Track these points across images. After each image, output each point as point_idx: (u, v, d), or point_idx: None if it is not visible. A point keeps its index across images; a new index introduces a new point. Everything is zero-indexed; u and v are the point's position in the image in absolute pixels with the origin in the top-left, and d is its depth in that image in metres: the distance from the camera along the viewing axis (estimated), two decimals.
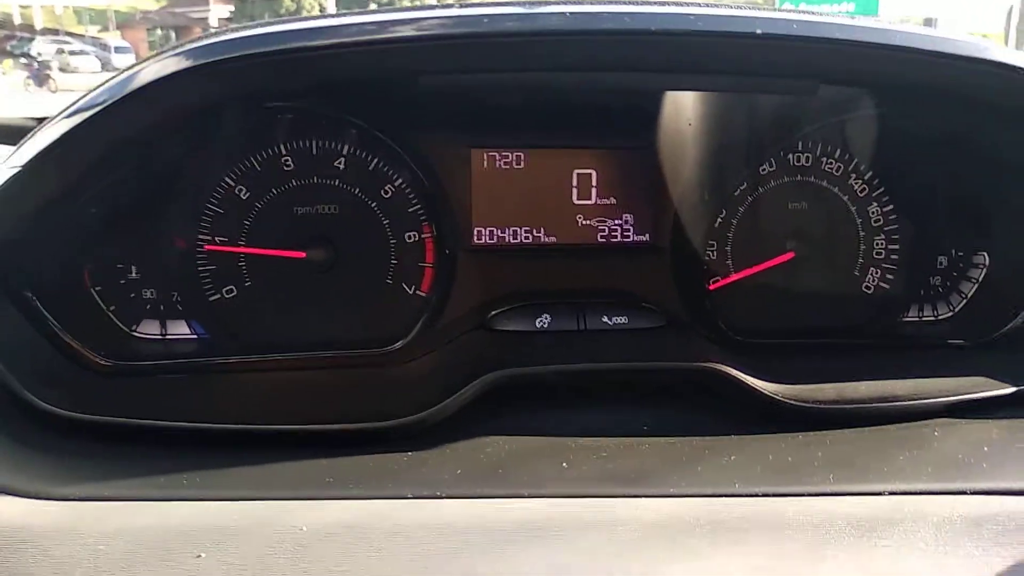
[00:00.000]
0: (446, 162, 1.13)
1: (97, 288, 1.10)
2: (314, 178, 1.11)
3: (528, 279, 1.16)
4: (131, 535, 0.75)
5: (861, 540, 0.76)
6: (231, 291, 1.13)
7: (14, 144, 1.32)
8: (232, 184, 1.09)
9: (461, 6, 0.88)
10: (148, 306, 1.12)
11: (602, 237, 1.17)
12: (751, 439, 0.95)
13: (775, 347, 1.17)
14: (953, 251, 1.24)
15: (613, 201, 1.16)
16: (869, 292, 1.23)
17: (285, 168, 1.10)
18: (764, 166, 1.18)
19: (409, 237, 1.15)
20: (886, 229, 1.21)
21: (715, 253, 1.20)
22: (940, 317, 1.26)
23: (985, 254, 1.22)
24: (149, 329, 1.13)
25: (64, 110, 0.89)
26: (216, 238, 1.11)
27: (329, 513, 0.79)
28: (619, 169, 1.15)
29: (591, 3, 0.88)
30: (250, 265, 1.12)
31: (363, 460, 0.90)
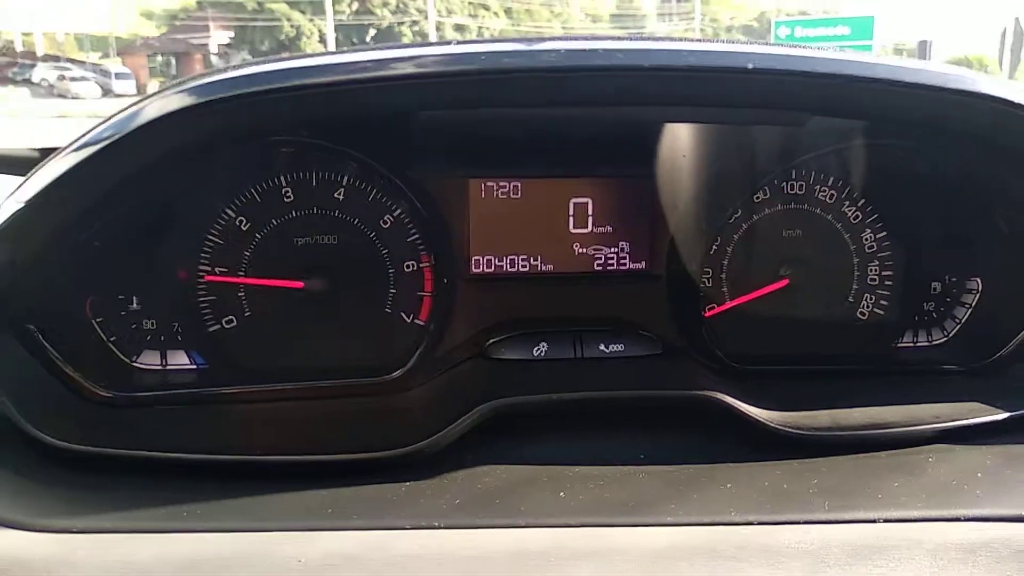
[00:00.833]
0: (444, 192, 1.14)
1: (98, 319, 1.11)
2: (314, 209, 1.13)
3: (526, 307, 1.17)
4: (131, 568, 0.76)
5: (856, 568, 0.76)
6: (231, 321, 1.14)
7: (17, 173, 1.34)
8: (232, 215, 1.11)
9: (459, 43, 0.90)
10: (148, 337, 1.13)
11: (598, 265, 1.18)
12: (747, 466, 0.96)
13: (770, 373, 1.18)
14: (946, 277, 1.25)
15: (609, 229, 1.17)
16: (863, 318, 1.24)
17: (285, 199, 1.12)
18: (758, 194, 1.19)
19: (408, 266, 1.16)
20: (879, 255, 1.23)
21: (710, 280, 1.21)
22: (934, 342, 1.27)
23: (978, 280, 1.24)
24: (149, 360, 1.14)
25: (68, 146, 0.90)
26: (216, 269, 1.12)
27: (327, 544, 0.79)
28: (615, 198, 1.17)
29: (586, 40, 0.90)
30: (250, 295, 1.13)
31: (361, 490, 0.90)
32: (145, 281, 1.12)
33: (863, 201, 1.21)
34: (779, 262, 1.21)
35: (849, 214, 1.21)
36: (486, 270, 1.17)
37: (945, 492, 0.89)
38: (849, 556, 0.77)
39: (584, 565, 0.77)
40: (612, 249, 1.18)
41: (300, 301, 1.14)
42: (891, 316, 1.24)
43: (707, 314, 1.21)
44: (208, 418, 1.07)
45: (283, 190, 1.12)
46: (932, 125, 1.00)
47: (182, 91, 0.88)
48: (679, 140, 1.15)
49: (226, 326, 1.13)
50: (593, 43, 0.89)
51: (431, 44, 0.98)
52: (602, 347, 1.14)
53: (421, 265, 1.17)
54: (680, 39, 0.94)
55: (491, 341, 1.15)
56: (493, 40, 0.96)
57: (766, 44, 0.96)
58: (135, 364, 1.13)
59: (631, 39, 0.94)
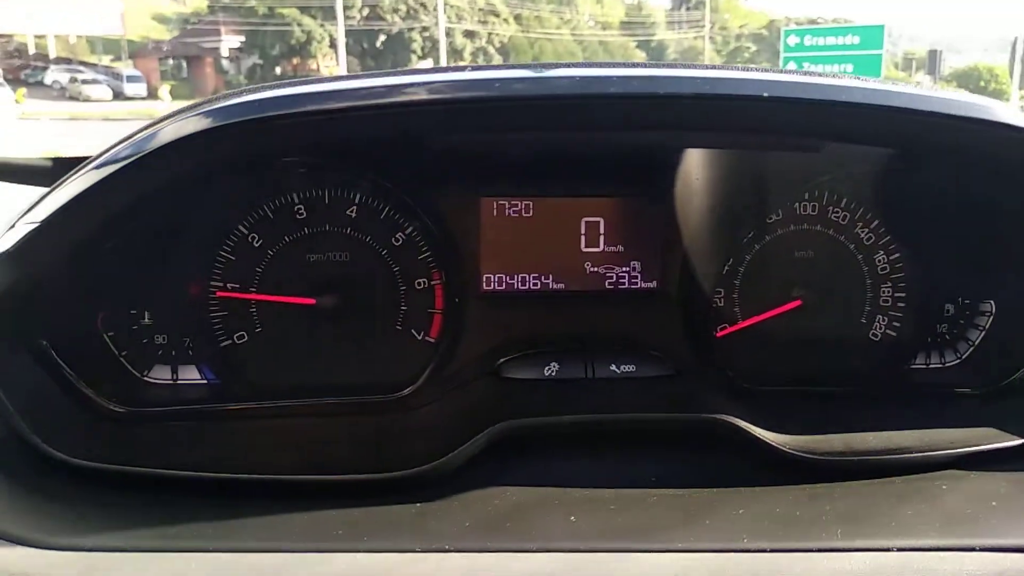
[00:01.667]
0: (456, 210, 1.14)
1: (110, 334, 1.11)
2: (326, 226, 1.13)
3: (537, 326, 1.17)
4: None
5: None
6: (242, 337, 1.14)
7: (31, 183, 1.35)
8: (245, 232, 1.11)
9: (472, 69, 0.90)
10: (160, 352, 1.14)
11: (610, 284, 1.18)
12: (759, 491, 0.95)
13: (782, 394, 1.18)
14: (960, 299, 1.24)
15: (621, 248, 1.17)
16: (876, 339, 1.23)
17: (298, 216, 1.12)
18: (771, 215, 1.19)
19: (419, 284, 1.16)
20: (893, 277, 1.22)
21: (723, 300, 1.21)
22: (947, 364, 1.26)
23: (992, 302, 1.23)
24: (160, 375, 1.14)
25: (82, 166, 0.91)
26: (228, 284, 1.12)
27: (337, 567, 0.79)
28: (627, 217, 1.17)
29: (599, 67, 0.90)
30: (261, 311, 1.13)
31: (371, 511, 0.90)
32: (157, 296, 1.12)
33: (876, 223, 1.20)
34: (792, 283, 1.20)
35: (862, 235, 1.21)
36: (497, 288, 1.17)
37: (960, 520, 0.88)
38: None
39: None
40: (624, 268, 1.18)
41: (311, 318, 1.14)
42: (904, 337, 1.23)
43: (719, 334, 1.21)
44: (219, 435, 1.07)
45: (295, 207, 1.12)
46: (948, 152, 0.99)
47: (198, 114, 0.89)
48: (692, 162, 1.15)
49: (237, 342, 1.14)
50: (607, 70, 0.89)
51: (444, 70, 0.98)
52: (613, 367, 1.13)
53: (432, 283, 1.16)
54: (692, 65, 0.93)
55: (502, 360, 1.14)
56: (506, 66, 0.96)
57: (780, 71, 0.96)
58: (146, 379, 1.13)
59: (644, 65, 0.94)
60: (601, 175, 1.15)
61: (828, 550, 0.82)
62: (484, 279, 1.16)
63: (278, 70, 40.27)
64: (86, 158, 0.93)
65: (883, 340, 1.23)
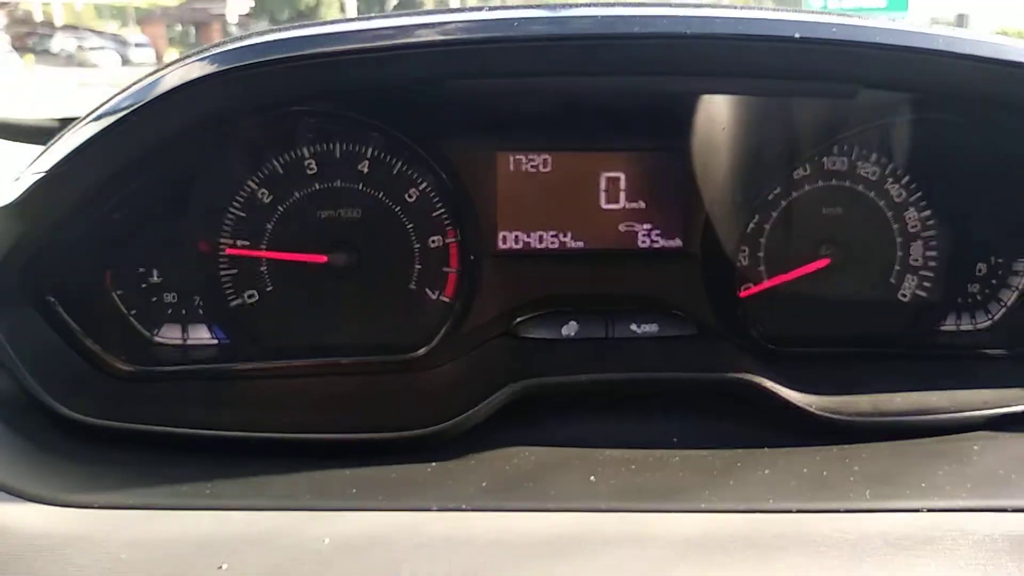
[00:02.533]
0: (471, 165, 1.11)
1: (119, 292, 1.09)
2: (337, 182, 1.10)
3: (554, 285, 1.14)
4: (153, 544, 0.75)
5: (898, 559, 0.74)
6: (252, 296, 1.12)
7: (36, 143, 1.33)
8: (255, 187, 1.08)
9: (489, 9, 0.86)
10: (169, 311, 1.12)
11: (630, 242, 1.15)
12: (785, 452, 0.93)
13: (808, 356, 1.15)
14: (992, 258, 1.20)
15: (642, 205, 1.14)
16: (905, 300, 1.20)
17: (308, 172, 1.09)
18: (798, 170, 1.15)
19: (433, 242, 1.13)
20: (923, 235, 1.18)
21: (747, 259, 1.17)
22: (979, 326, 1.22)
23: None
24: (170, 334, 1.12)
25: (86, 116, 0.88)
26: (238, 242, 1.10)
27: (352, 525, 0.78)
28: (649, 172, 1.13)
29: (621, 6, 0.86)
30: (272, 270, 1.11)
31: (386, 471, 0.88)
32: (166, 254, 1.10)
33: (907, 178, 1.16)
34: (819, 241, 1.17)
35: (892, 192, 1.17)
36: (513, 246, 1.14)
37: (992, 481, 0.86)
38: (891, 547, 0.75)
39: (616, 551, 0.75)
40: (645, 226, 1.14)
41: (323, 276, 1.11)
42: (934, 298, 1.20)
43: (743, 294, 1.17)
44: (230, 394, 1.06)
45: (306, 162, 1.09)
46: (988, 99, 0.95)
47: (203, 59, 0.86)
48: (717, 112, 1.11)
49: (248, 301, 1.11)
50: (630, 9, 0.85)
51: (460, 10, 0.94)
52: (634, 327, 1.10)
53: (447, 240, 1.14)
54: (719, 6, 0.89)
55: (519, 320, 1.12)
56: (524, 6, 0.92)
57: (814, 12, 0.92)
58: (156, 338, 1.12)
59: (667, 5, 0.89)
60: (622, 128, 1.11)
61: (857, 511, 0.80)
62: (500, 237, 1.13)
63: None
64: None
65: (912, 301, 1.20)
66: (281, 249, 1.10)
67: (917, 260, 1.19)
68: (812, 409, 0.97)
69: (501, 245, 1.13)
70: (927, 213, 1.17)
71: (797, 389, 1.00)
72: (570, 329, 1.10)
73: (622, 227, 1.14)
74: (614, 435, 0.96)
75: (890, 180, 1.16)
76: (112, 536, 0.75)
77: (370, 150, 1.10)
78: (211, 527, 0.78)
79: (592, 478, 0.87)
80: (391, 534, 0.77)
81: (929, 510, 0.80)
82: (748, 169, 1.13)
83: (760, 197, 1.15)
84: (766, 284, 1.17)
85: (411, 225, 1.12)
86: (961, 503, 0.81)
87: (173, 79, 0.85)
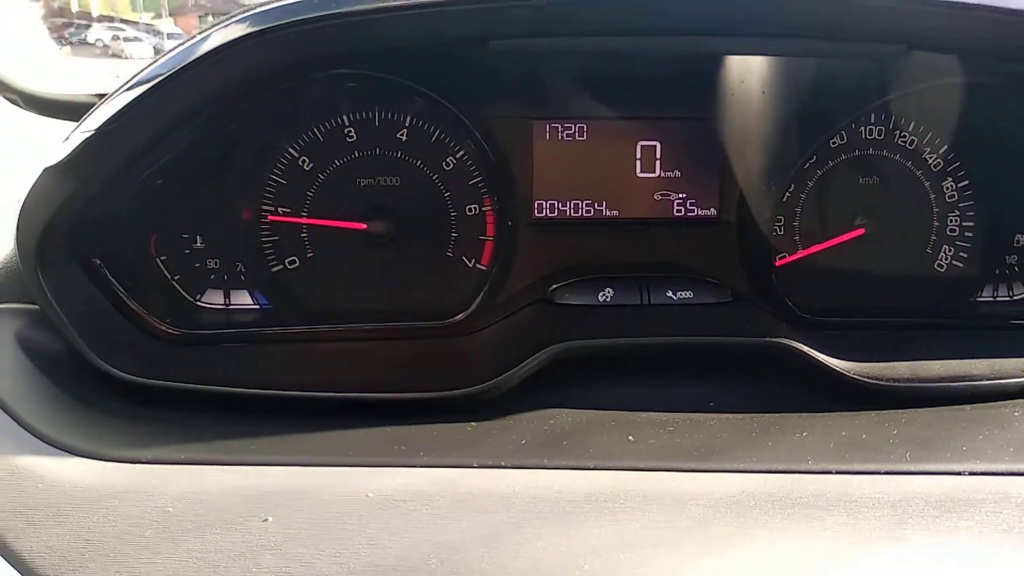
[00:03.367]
0: (508, 134, 1.11)
1: (163, 257, 1.11)
2: (376, 150, 1.11)
3: (589, 253, 1.14)
4: (199, 498, 0.76)
5: (940, 520, 0.74)
6: (293, 262, 1.13)
7: (74, 120, 1.35)
8: (295, 155, 1.10)
9: None
10: (212, 276, 1.13)
11: (666, 211, 1.15)
12: (821, 416, 0.93)
13: (843, 325, 1.14)
14: None
15: (678, 174, 1.13)
16: (941, 271, 1.19)
17: (348, 139, 1.10)
18: (834, 139, 1.14)
19: (470, 210, 1.14)
20: (961, 206, 1.17)
21: (782, 229, 1.17)
22: (1016, 297, 1.21)
23: None
24: (213, 299, 1.14)
25: (132, 78, 0.90)
26: (279, 209, 1.11)
27: (395, 480, 0.79)
28: (685, 141, 1.13)
29: None
30: (312, 236, 1.12)
31: (428, 429, 0.89)
32: (209, 220, 1.11)
33: (945, 148, 1.15)
34: (855, 211, 1.15)
35: (930, 161, 1.15)
36: (549, 214, 1.14)
37: None
38: (933, 508, 0.75)
39: (655, 509, 0.75)
40: (680, 194, 1.14)
41: (362, 243, 1.13)
42: (971, 269, 1.18)
43: (778, 263, 1.17)
44: (273, 356, 1.07)
45: (346, 129, 1.10)
46: None
47: (245, 19, 0.87)
48: (754, 82, 1.10)
49: (289, 267, 1.13)
50: None
51: None
52: (670, 294, 1.10)
53: (483, 209, 1.14)
54: None
55: (555, 286, 1.12)
56: None
57: None
58: (199, 303, 1.13)
59: None
60: (659, 96, 1.11)
61: (896, 473, 0.80)
62: (536, 205, 1.14)
63: None
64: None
65: (949, 272, 1.19)
66: (321, 216, 1.11)
67: (954, 231, 1.17)
68: (851, 374, 0.97)
69: (537, 213, 1.14)
70: (965, 183, 1.16)
71: (835, 355, 0.99)
72: (606, 295, 1.10)
73: (657, 196, 1.14)
74: (650, 399, 0.97)
75: (928, 149, 1.15)
76: (159, 489, 0.77)
77: (409, 118, 1.10)
78: (255, 481, 0.79)
79: (631, 438, 0.88)
80: (433, 488, 0.78)
81: (971, 473, 0.79)
82: (783, 137, 1.13)
83: (795, 166, 1.14)
84: (801, 254, 1.17)
85: (448, 193, 1.13)
86: (1003, 467, 0.80)
87: (216, 39, 0.86)
